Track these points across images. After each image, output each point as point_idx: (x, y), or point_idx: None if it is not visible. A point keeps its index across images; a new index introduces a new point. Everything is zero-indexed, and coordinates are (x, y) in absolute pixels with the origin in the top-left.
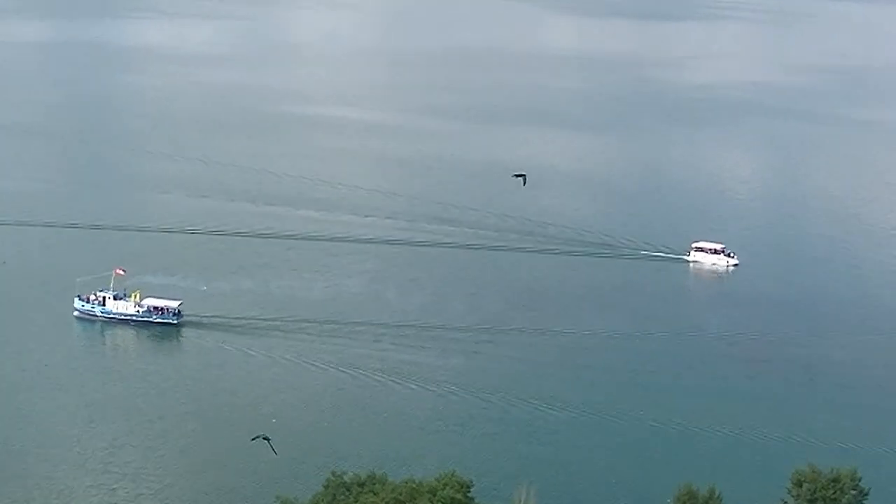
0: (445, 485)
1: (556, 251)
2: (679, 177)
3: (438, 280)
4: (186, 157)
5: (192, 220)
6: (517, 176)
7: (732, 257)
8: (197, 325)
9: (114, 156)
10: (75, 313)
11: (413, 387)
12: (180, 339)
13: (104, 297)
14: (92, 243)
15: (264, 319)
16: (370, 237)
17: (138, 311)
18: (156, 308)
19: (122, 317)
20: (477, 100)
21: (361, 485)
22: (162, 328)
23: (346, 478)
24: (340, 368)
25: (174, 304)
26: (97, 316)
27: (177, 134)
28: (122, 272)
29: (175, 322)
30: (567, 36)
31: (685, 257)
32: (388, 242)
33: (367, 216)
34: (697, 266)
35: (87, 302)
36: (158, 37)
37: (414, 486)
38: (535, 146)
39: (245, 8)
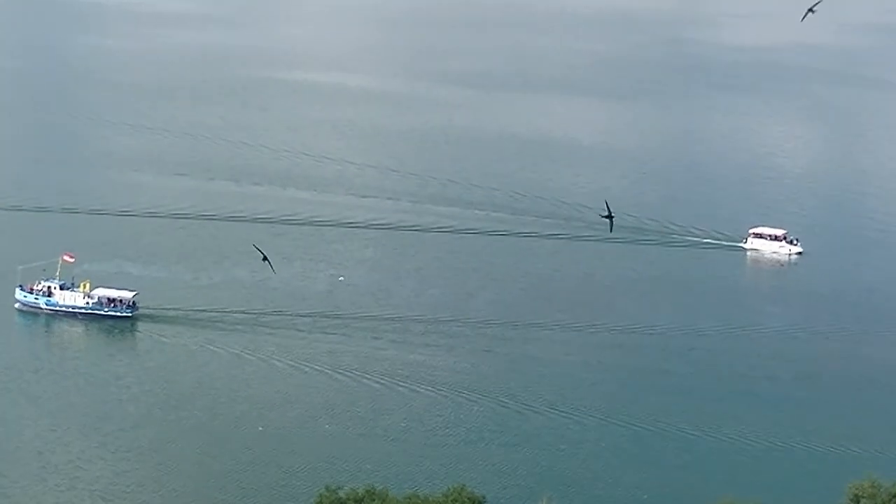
0: (454, 501)
1: (588, 237)
2: (726, 151)
3: (448, 269)
4: (156, 129)
5: (159, 202)
6: (606, 217)
7: (795, 244)
8: (154, 318)
9: (72, 128)
10: (17, 305)
11: (418, 390)
12: (135, 333)
13: (49, 288)
14: (37, 227)
15: (236, 312)
16: (369, 221)
17: (88, 303)
18: (108, 299)
19: (70, 309)
20: (490, 64)
21: (359, 500)
22: (114, 322)
23: (341, 493)
24: (333, 368)
25: (128, 294)
26: (42, 308)
27: (146, 103)
28: (70, 259)
29: (129, 315)
30: None
31: (742, 244)
32: (389, 227)
33: (365, 196)
34: (756, 254)
35: (31, 293)
36: None
37: (418, 502)
38: (557, 117)
39: None
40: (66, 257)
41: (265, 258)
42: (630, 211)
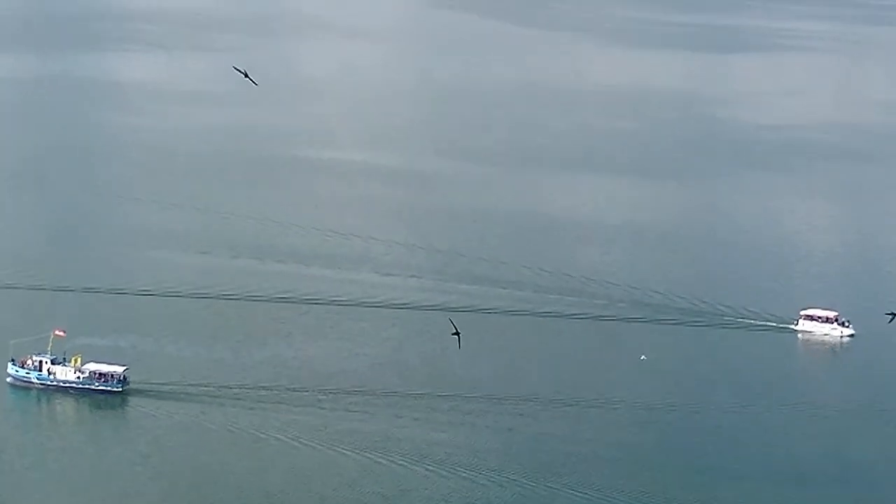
0: None
1: (622, 318)
2: (760, 231)
3: (475, 349)
4: (179, 206)
5: (179, 280)
6: (454, 334)
7: (847, 326)
8: (146, 392)
9: (94, 205)
10: (8, 380)
11: (440, 472)
12: (125, 408)
13: (41, 362)
14: (30, 302)
15: (232, 387)
16: (394, 300)
17: (79, 378)
18: (99, 374)
19: (62, 384)
20: (515, 141)
21: None
22: (105, 397)
23: None
24: (338, 447)
25: (119, 369)
26: (33, 383)
27: (170, 180)
28: (61, 334)
29: (120, 389)
30: (615, 70)
31: (793, 326)
32: (414, 307)
33: (390, 275)
34: (807, 336)
35: (22, 367)
36: (152, 71)
37: None
38: (584, 194)
39: (247, 39)
40: (57, 332)
41: (245, 74)
42: (675, 291)
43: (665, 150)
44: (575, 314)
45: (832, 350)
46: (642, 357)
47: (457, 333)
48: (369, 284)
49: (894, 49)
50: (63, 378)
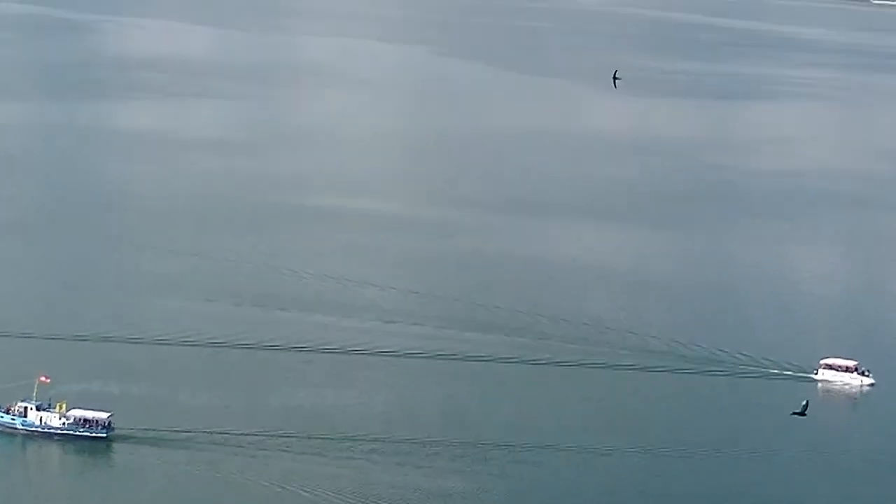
0: None
1: (636, 367)
2: (776, 279)
3: (479, 396)
4: (178, 252)
5: (181, 328)
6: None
7: (867, 375)
8: (131, 439)
9: (89, 251)
10: None
11: None
12: (110, 454)
13: (26, 408)
14: (16, 348)
15: (220, 433)
16: (393, 348)
17: (63, 424)
18: (83, 420)
19: (46, 430)
20: (517, 189)
21: None
22: (89, 443)
23: None
24: (340, 496)
25: (103, 415)
26: (18, 429)
27: (174, 228)
28: (45, 380)
29: (104, 435)
30: (617, 117)
31: (812, 376)
32: (414, 355)
33: (393, 322)
34: (827, 385)
35: (7, 413)
36: (157, 119)
37: None
38: (588, 242)
39: (252, 87)
40: (42, 378)
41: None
42: (689, 340)
43: (669, 198)
44: (587, 362)
45: (852, 399)
46: None
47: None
48: (371, 332)
49: None
50: (48, 424)
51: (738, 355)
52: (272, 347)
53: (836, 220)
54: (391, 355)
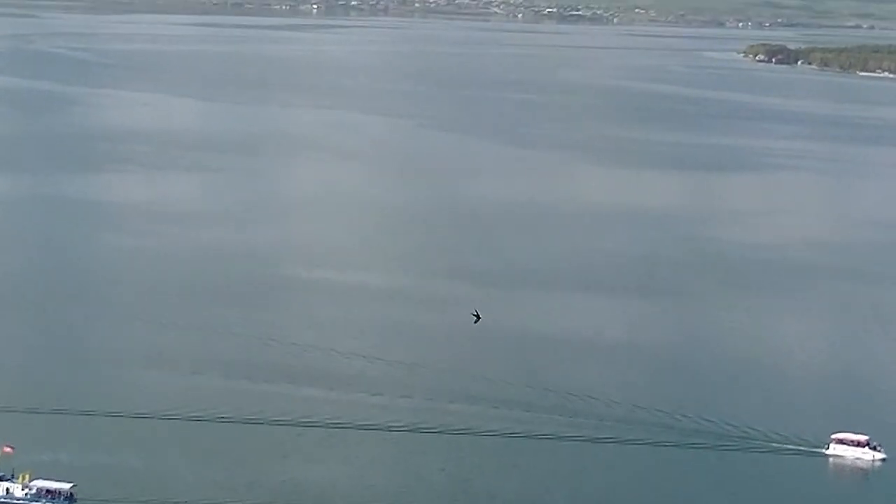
0: None
1: (635, 440)
2: (777, 352)
3: (474, 472)
4: (170, 326)
5: (149, 400)
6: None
7: (879, 450)
8: None
9: (74, 324)
10: None
11: None
12: None
13: None
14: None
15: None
16: (386, 422)
17: (26, 494)
18: (46, 491)
19: (9, 500)
20: (506, 261)
21: None
22: None
23: None
24: None
25: (66, 486)
26: None
27: (162, 301)
28: (9, 450)
29: None
30: (607, 189)
31: (823, 451)
32: (407, 429)
33: (383, 395)
34: (838, 461)
35: None
36: (144, 192)
37: None
38: (579, 314)
39: (239, 160)
40: (5, 449)
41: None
42: (690, 413)
43: (658, 269)
44: (583, 436)
45: (864, 474)
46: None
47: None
48: (361, 405)
49: (887, 168)
50: (11, 494)
51: (746, 429)
52: (257, 421)
53: (829, 291)
54: (380, 429)
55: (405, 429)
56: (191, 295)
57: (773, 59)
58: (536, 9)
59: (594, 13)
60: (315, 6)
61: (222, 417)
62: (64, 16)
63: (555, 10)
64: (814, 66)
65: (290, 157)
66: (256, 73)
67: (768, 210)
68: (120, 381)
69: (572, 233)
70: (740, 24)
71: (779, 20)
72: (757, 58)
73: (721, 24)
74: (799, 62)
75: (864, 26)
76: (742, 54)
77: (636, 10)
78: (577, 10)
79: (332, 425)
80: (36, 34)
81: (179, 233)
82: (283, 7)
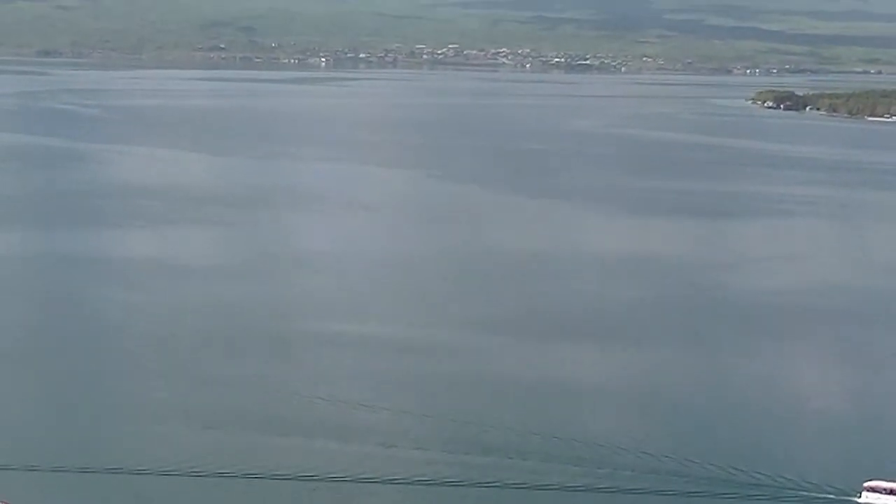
0: None
1: (662, 491)
2: (802, 398)
3: None
4: (176, 378)
5: (161, 455)
6: None
7: None
8: None
9: (85, 380)
10: None
11: None
12: None
13: None
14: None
15: None
16: (400, 475)
17: None
18: None
19: None
20: (518, 310)
21: None
22: None
23: None
24: None
25: None
26: None
27: (170, 354)
28: None
29: None
30: (618, 237)
31: (856, 499)
32: (422, 481)
33: (394, 447)
34: None
35: None
36: (153, 247)
37: None
38: (591, 362)
39: (250, 213)
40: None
41: None
42: (726, 462)
43: (674, 316)
44: (602, 486)
45: None
46: None
47: None
48: (378, 458)
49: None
50: None
51: (775, 478)
52: (268, 476)
53: (845, 336)
54: (398, 482)
55: (419, 481)
56: (201, 348)
57: (782, 106)
58: (544, 59)
59: (602, 62)
60: (324, 59)
61: (232, 473)
62: (73, 72)
63: (563, 59)
64: (822, 112)
65: (302, 210)
66: (266, 127)
67: (781, 256)
68: (127, 436)
69: (584, 280)
70: (748, 71)
71: (786, 67)
72: (765, 104)
73: (729, 72)
74: (807, 108)
75: (872, 72)
76: (750, 101)
77: (644, 59)
78: (585, 59)
79: (346, 479)
80: (45, 91)
81: (190, 287)
82: (292, 61)
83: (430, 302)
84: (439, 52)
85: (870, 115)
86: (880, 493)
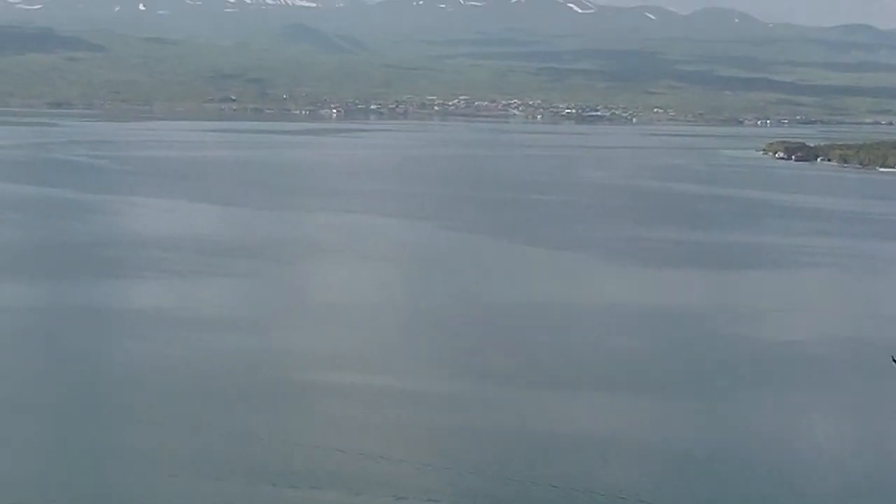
0: None
1: None
2: (812, 451)
3: None
4: (186, 430)
5: None
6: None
7: None
8: None
9: (95, 429)
10: None
11: None
12: None
13: None
14: None
15: None
16: None
17: None
18: None
19: None
20: (530, 361)
21: None
22: None
23: None
24: None
25: None
26: None
27: (180, 405)
28: None
29: None
30: (628, 288)
31: None
32: None
33: (405, 498)
34: None
35: None
36: (164, 298)
37: None
38: (602, 413)
39: (260, 265)
40: None
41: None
42: None
43: (685, 368)
44: None
45: None
46: None
47: None
48: None
49: None
50: None
51: None
52: None
53: (858, 388)
54: None
55: None
56: (212, 400)
57: (793, 157)
58: (555, 110)
59: (613, 113)
60: (335, 110)
61: None
62: (83, 124)
63: (573, 111)
64: (833, 163)
65: (313, 261)
66: (277, 178)
67: (792, 306)
68: (136, 488)
69: (596, 332)
70: (759, 122)
71: (797, 117)
72: (777, 155)
73: (740, 123)
74: (818, 159)
75: (883, 122)
76: (762, 152)
77: (655, 110)
78: (596, 110)
79: None
80: (56, 142)
81: (202, 338)
82: (303, 112)
83: (445, 353)
84: (450, 103)
85: (881, 166)
86: None
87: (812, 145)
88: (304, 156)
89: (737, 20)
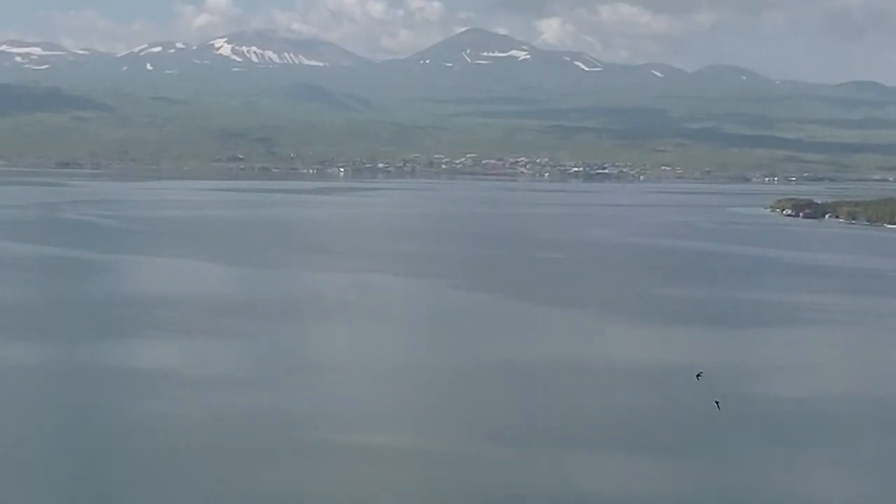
0: None
1: None
2: None
3: None
4: (190, 490)
5: None
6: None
7: None
8: None
9: (99, 490)
10: None
11: None
12: None
13: None
14: None
15: None
16: None
17: None
18: None
19: None
20: (537, 420)
21: None
22: None
23: None
24: None
25: None
26: None
27: (184, 465)
28: None
29: None
30: (637, 346)
31: None
32: None
33: None
34: None
35: None
36: (171, 357)
37: None
38: (611, 473)
39: (266, 324)
40: None
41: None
42: None
43: (695, 426)
44: None
45: None
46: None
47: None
48: None
49: None
50: None
51: None
52: None
53: (870, 445)
54: None
55: None
56: (218, 459)
57: (801, 214)
58: (562, 168)
59: (620, 171)
60: (342, 169)
61: None
62: (92, 184)
63: (581, 168)
64: (841, 220)
65: (321, 320)
66: (284, 237)
67: (801, 364)
68: None
69: (605, 391)
70: (766, 179)
71: (805, 174)
72: (784, 212)
73: (747, 180)
74: (826, 216)
75: (891, 179)
76: (769, 209)
77: (662, 168)
78: (604, 168)
79: None
80: (65, 202)
81: (207, 398)
82: (311, 170)
83: (450, 411)
84: (457, 161)
85: (889, 223)
86: None
87: (820, 202)
88: (312, 215)
89: (743, 77)
